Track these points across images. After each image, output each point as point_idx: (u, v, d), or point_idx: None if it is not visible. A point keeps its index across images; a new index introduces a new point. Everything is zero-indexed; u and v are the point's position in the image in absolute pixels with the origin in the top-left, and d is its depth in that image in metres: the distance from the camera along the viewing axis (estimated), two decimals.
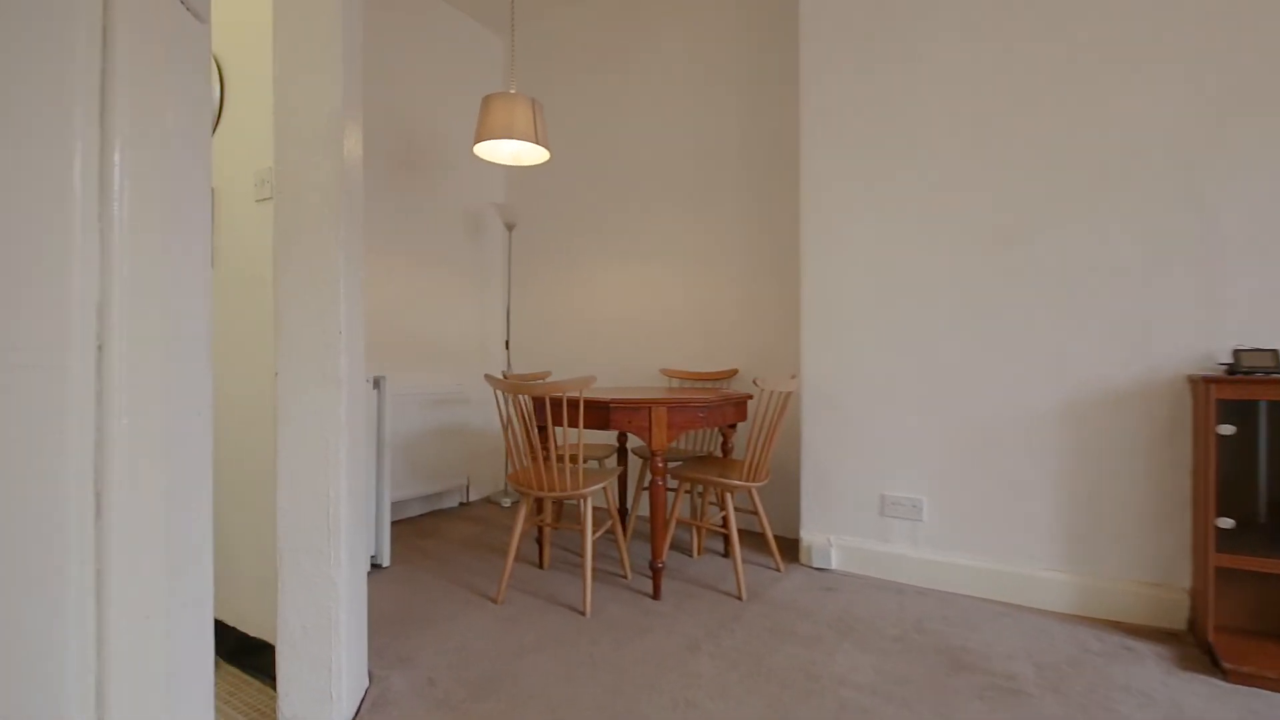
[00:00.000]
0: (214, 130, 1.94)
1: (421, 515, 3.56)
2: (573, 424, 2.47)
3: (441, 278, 3.75)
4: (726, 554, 2.87)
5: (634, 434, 2.36)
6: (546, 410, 2.27)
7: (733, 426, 2.86)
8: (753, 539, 3.14)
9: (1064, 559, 2.25)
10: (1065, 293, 2.24)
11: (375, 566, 2.67)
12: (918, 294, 2.50)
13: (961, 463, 2.42)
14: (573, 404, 2.46)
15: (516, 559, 2.78)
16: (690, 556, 2.84)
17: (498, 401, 2.28)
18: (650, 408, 2.32)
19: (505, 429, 2.32)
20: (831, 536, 2.68)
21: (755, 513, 2.65)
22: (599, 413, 2.37)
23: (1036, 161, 2.29)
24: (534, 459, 2.35)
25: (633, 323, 3.67)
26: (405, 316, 3.54)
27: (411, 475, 3.40)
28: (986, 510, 2.37)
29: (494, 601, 2.31)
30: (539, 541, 2.71)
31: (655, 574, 2.37)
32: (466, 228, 3.92)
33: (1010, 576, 2.31)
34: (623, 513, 3.24)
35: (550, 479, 2.29)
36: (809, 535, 2.73)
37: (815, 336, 2.73)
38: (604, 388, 3.20)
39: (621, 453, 3.11)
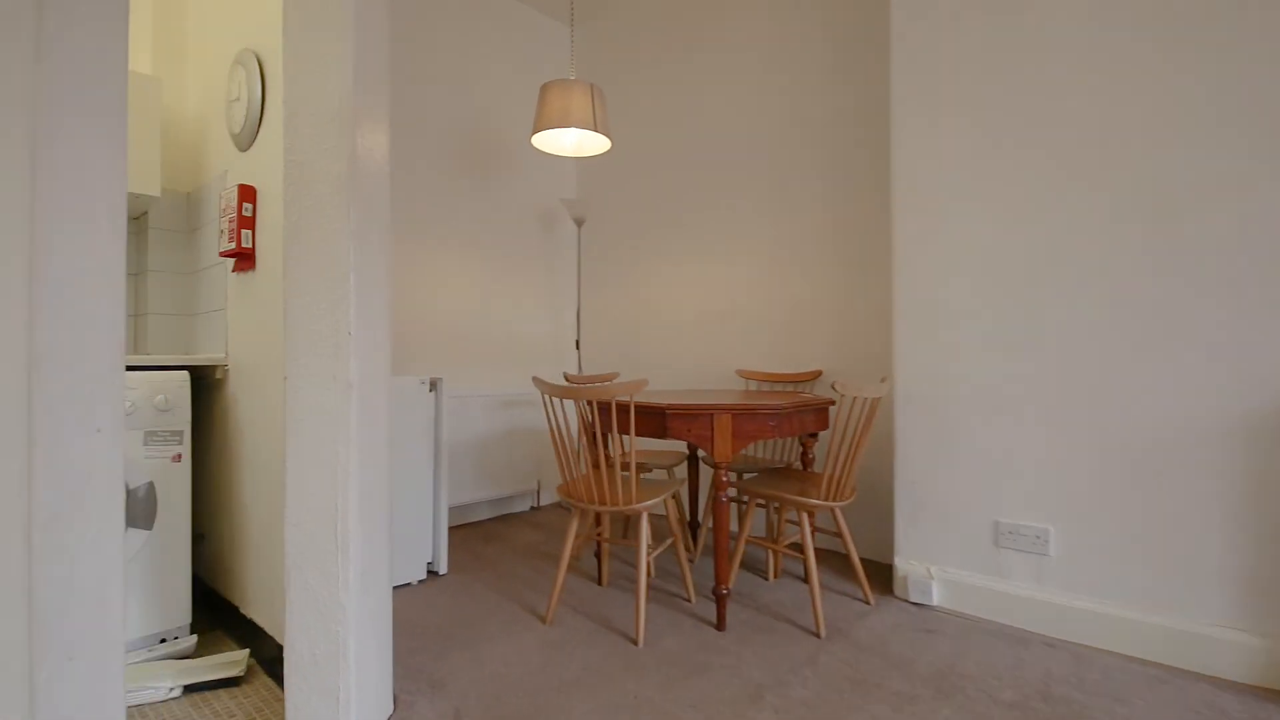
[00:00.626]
0: (257, 129, 1.91)
1: (490, 519, 3.49)
2: (623, 431, 2.26)
3: (513, 276, 3.68)
4: (806, 577, 2.54)
5: (694, 443, 2.10)
6: (595, 415, 2.07)
7: (814, 436, 2.53)
8: (837, 561, 2.78)
9: (1245, 614, 1.74)
10: (1252, 278, 1.73)
11: (432, 574, 2.59)
12: (1042, 284, 2.06)
13: (1101, 487, 1.96)
14: (624, 409, 2.25)
15: (576, 573, 2.61)
16: (765, 579, 2.54)
17: (545, 406, 2.11)
18: (712, 414, 2.06)
19: (553, 436, 2.15)
20: (933, 567, 2.28)
21: (840, 535, 2.31)
22: (654, 419, 2.14)
23: (1218, 108, 1.80)
24: (593, 467, 2.15)
25: (708, 321, 3.40)
26: (476, 317, 3.49)
27: (480, 478, 3.33)
28: (1136, 546, 1.90)
29: (543, 621, 2.15)
30: (598, 556, 2.52)
31: (718, 602, 2.10)
32: (538, 225, 3.82)
33: (1169, 632, 1.83)
34: (693, 527, 2.99)
35: (600, 491, 2.08)
36: (905, 564, 2.35)
37: (911, 334, 2.34)
38: (674, 390, 2.97)
39: (692, 461, 2.86)
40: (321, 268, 1.36)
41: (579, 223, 3.60)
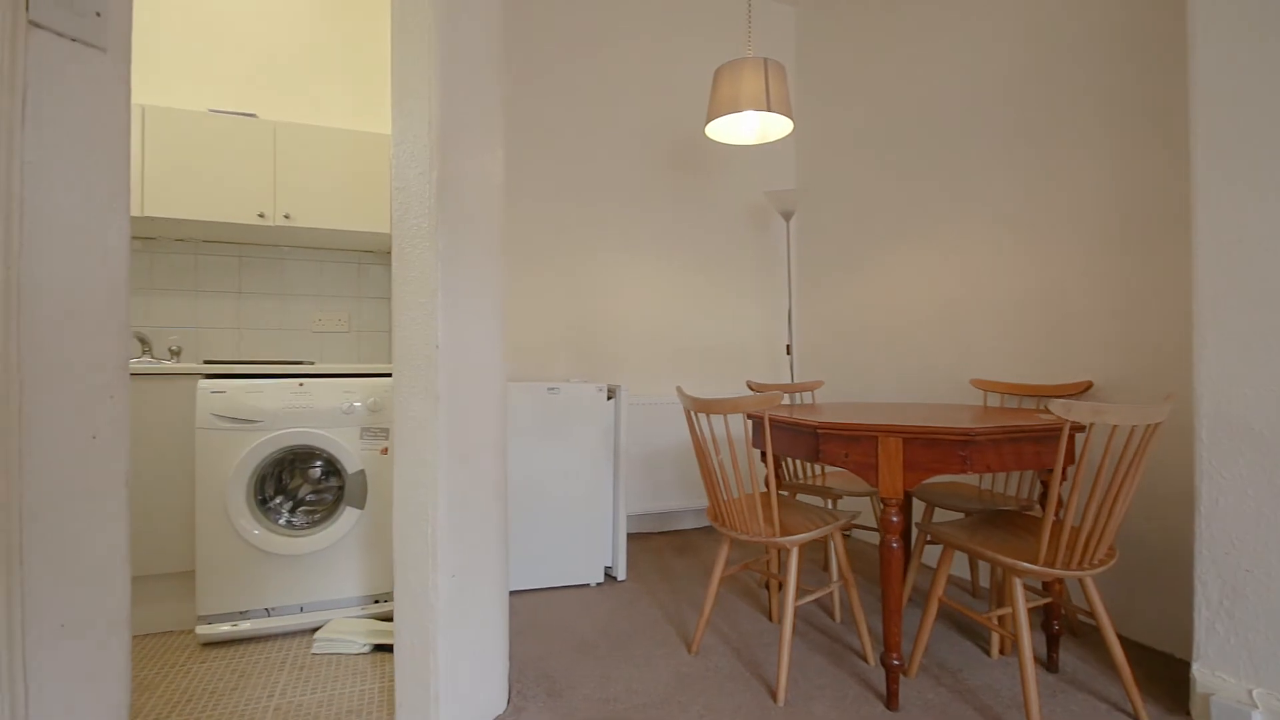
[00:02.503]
0: None
1: (694, 529, 3.43)
2: (759, 448, 1.96)
3: (718, 278, 3.56)
4: (1050, 665, 1.87)
5: (853, 472, 1.72)
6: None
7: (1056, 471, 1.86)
8: (1095, 642, 1.99)
9: None
10: None
11: (610, 578, 2.63)
12: None
13: None
14: (778, 425, 1.95)
15: (751, 602, 2.37)
16: (986, 654, 1.96)
17: (689, 420, 1.95)
18: (877, 437, 1.66)
19: (698, 453, 1.98)
20: (1257, 690, 1.46)
21: (1090, 613, 1.64)
22: (805, 440, 1.81)
23: None
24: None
25: (941, 321, 2.79)
26: (678, 323, 3.46)
27: (685, 487, 3.29)
28: None
29: (689, 650, 1.99)
30: (768, 588, 2.25)
31: (888, 674, 1.68)
32: (746, 222, 3.63)
33: None
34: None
35: (743, 518, 1.85)
36: (1209, 675, 1.56)
37: (1222, 335, 1.55)
38: (882, 403, 2.50)
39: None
40: (416, 286, 1.46)
41: (787, 216, 3.31)
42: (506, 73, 3.14)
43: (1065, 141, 2.29)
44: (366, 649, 1.97)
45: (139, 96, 2.52)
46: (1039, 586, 1.97)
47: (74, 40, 0.85)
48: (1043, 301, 2.37)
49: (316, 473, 2.37)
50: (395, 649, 1.49)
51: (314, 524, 2.20)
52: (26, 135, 0.80)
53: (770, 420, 1.97)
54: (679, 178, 3.49)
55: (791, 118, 2.42)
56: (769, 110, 2.32)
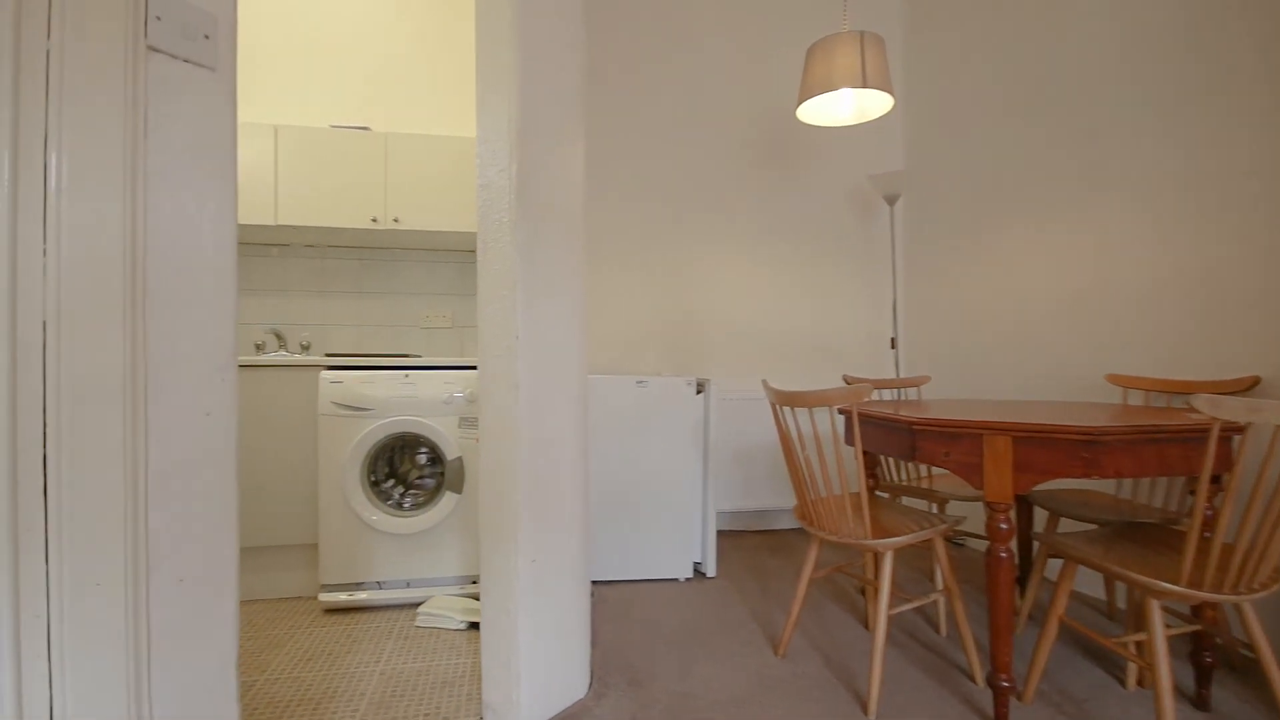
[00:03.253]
0: None
1: (789, 530, 3.31)
2: (851, 444, 1.83)
3: (817, 269, 3.40)
4: (1200, 702, 1.62)
5: (955, 473, 1.58)
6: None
7: (1213, 480, 1.61)
8: (1257, 678, 1.68)
9: None
10: None
11: (699, 574, 2.60)
12: None
13: None
14: (869, 420, 1.83)
15: (848, 607, 2.26)
16: (1121, 685, 1.73)
17: (775, 414, 1.88)
18: (982, 435, 1.51)
19: (785, 448, 1.90)
20: None
21: (1252, 645, 1.40)
22: (899, 436, 1.69)
23: None
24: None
25: (1071, 310, 2.50)
26: (774, 315, 3.36)
27: (777, 486, 3.19)
28: None
29: (775, 651, 1.93)
30: (863, 593, 2.13)
31: (996, 695, 1.52)
32: (847, 209, 3.45)
33: None
34: (1021, 582, 2.25)
35: (832, 518, 1.75)
36: None
37: None
38: (995, 400, 2.28)
39: (1022, 502, 2.15)
40: (497, 280, 1.52)
41: (891, 201, 3.10)
42: (588, 68, 3.19)
43: (1225, 105, 1.96)
44: (463, 625, 2.08)
45: (273, 117, 2.82)
46: (1186, 611, 1.70)
47: (186, 61, 0.95)
48: (1196, 286, 2.05)
49: (423, 458, 2.53)
50: (481, 628, 1.55)
51: (419, 506, 2.35)
52: (149, 146, 0.91)
53: (860, 414, 1.85)
54: (772, 166, 3.38)
55: (892, 93, 2.26)
56: (865, 86, 2.18)
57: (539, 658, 1.54)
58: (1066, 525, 2.48)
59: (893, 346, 3.26)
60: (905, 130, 3.49)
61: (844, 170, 3.45)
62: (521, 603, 1.50)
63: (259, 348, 2.82)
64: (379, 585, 2.26)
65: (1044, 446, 1.45)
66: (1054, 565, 2.53)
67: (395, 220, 2.64)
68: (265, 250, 2.88)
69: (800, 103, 2.37)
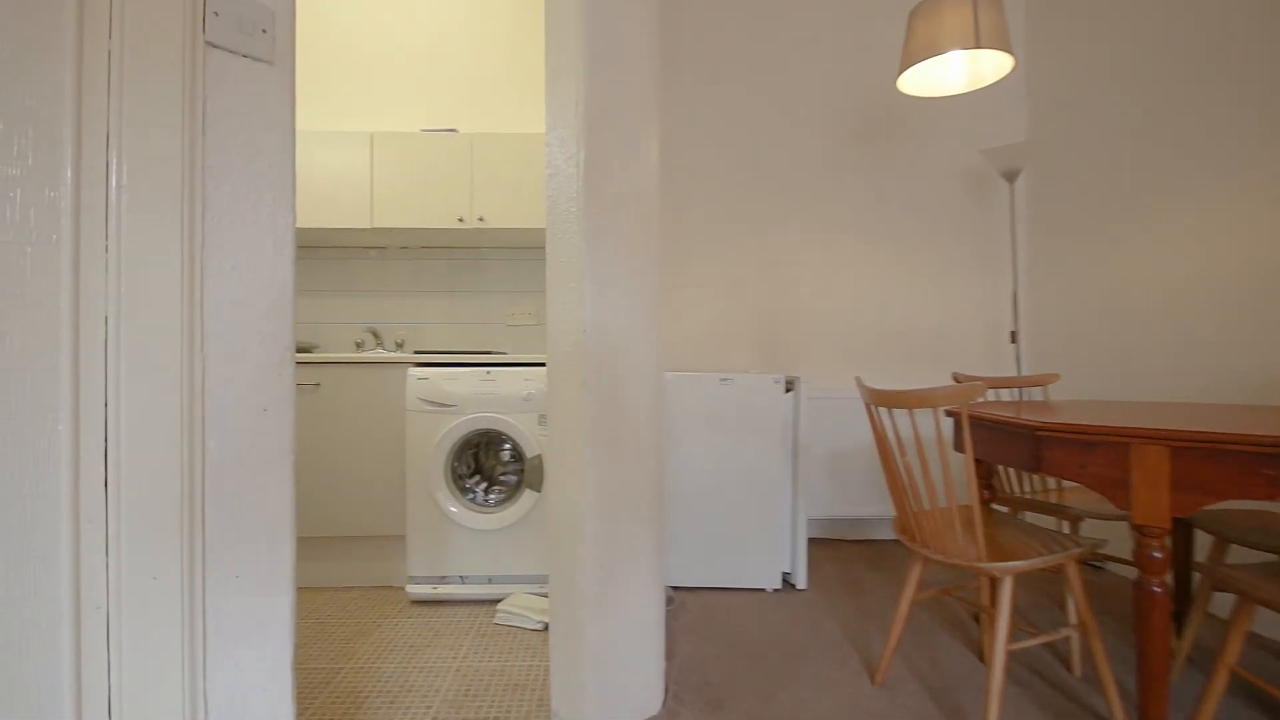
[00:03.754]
0: None
1: (888, 541, 3.04)
2: (959, 451, 1.60)
3: (922, 256, 3.11)
4: None
5: (1093, 489, 1.33)
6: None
7: None
8: None
9: None
10: None
11: (788, 585, 2.43)
12: None
13: None
14: (982, 423, 1.60)
15: (957, 634, 2.02)
16: None
17: (870, 415, 1.69)
18: (1128, 444, 1.27)
19: (882, 455, 1.70)
20: None
21: None
22: (1020, 443, 1.45)
23: None
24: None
25: (1243, 297, 2.10)
26: (872, 308, 3.10)
27: (876, 493, 2.94)
28: None
29: (872, 680, 1.74)
30: (978, 620, 1.88)
31: None
32: (958, 188, 3.12)
33: None
34: (1178, 617, 1.91)
35: (937, 535, 1.55)
36: None
37: None
38: (1143, 402, 1.95)
39: (1179, 524, 1.82)
40: (565, 271, 1.45)
41: (1010, 177, 2.76)
42: (662, 44, 3.08)
43: None
44: (539, 626, 2.06)
45: (369, 126, 2.94)
46: None
47: (245, 56, 0.95)
48: None
49: (506, 454, 2.55)
50: (550, 633, 1.50)
51: (501, 503, 2.36)
52: (207, 142, 0.91)
53: (972, 417, 1.62)
54: (870, 143, 3.12)
55: (1012, 53, 1.98)
56: (979, 47, 1.92)
57: (608, 668, 1.46)
58: (1238, 553, 2.09)
59: (1013, 341, 2.90)
60: (1028, 97, 3.11)
61: (954, 145, 3.13)
62: (589, 609, 1.43)
63: (358, 345, 2.96)
64: (462, 579, 2.28)
65: (1212, 460, 1.19)
66: (1220, 600, 2.14)
67: (480, 219, 2.68)
68: (365, 253, 3.02)
69: (901, 71, 2.14)
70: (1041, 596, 2.32)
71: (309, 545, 2.41)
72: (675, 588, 2.40)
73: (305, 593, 2.36)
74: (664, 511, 2.36)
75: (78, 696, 0.79)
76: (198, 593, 0.88)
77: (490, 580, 2.29)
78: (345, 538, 2.40)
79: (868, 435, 2.94)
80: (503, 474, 2.54)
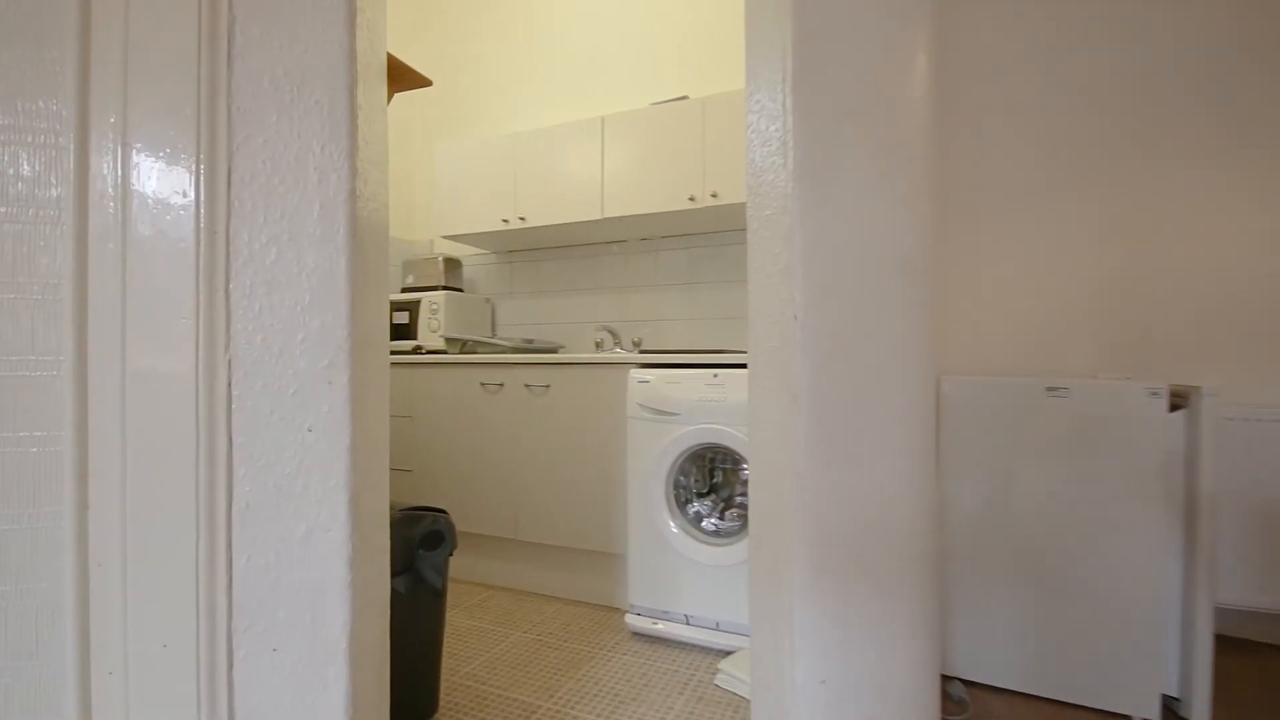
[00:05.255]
0: None
1: None
2: None
3: None
4: None
5: None
6: None
7: None
8: None
9: None
10: None
11: (1170, 712, 1.51)
12: None
13: None
14: None
15: None
16: None
17: None
18: None
19: None
20: None
21: None
22: None
23: None
24: None
25: None
26: None
27: None
28: None
29: None
30: None
31: None
32: None
33: None
34: None
35: None
36: None
37: None
38: None
39: None
40: (767, 247, 0.99)
41: None
42: None
43: None
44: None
45: (599, 110, 2.80)
46: None
47: None
48: None
49: (746, 474, 2.13)
50: (753, 659, 1.05)
51: (738, 532, 1.96)
52: (234, 76, 0.70)
53: None
54: None
55: None
56: None
57: None
58: None
59: None
60: None
61: None
62: (799, 697, 0.93)
63: (598, 345, 2.86)
64: (686, 619, 1.94)
65: None
66: None
67: (713, 195, 2.30)
68: (608, 248, 2.91)
69: None
70: None
71: (533, 550, 2.34)
72: (969, 683, 1.68)
73: (533, 599, 2.29)
74: (939, 574, 1.68)
75: None
76: (219, 666, 0.68)
77: (718, 626, 1.90)
78: (570, 549, 2.27)
79: None
80: (742, 495, 2.13)
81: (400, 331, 2.92)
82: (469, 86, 3.25)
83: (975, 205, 2.26)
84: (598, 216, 2.51)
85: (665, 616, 1.98)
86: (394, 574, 1.46)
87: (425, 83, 1.56)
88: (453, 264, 3.06)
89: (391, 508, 1.58)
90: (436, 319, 2.82)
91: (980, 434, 1.66)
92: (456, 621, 2.10)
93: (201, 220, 0.71)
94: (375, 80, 0.79)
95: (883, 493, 0.97)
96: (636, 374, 2.05)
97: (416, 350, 2.82)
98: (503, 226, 2.70)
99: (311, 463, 0.74)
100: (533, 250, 3.08)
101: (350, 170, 0.76)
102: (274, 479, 0.73)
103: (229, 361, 0.73)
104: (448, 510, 1.58)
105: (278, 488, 0.73)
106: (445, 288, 2.97)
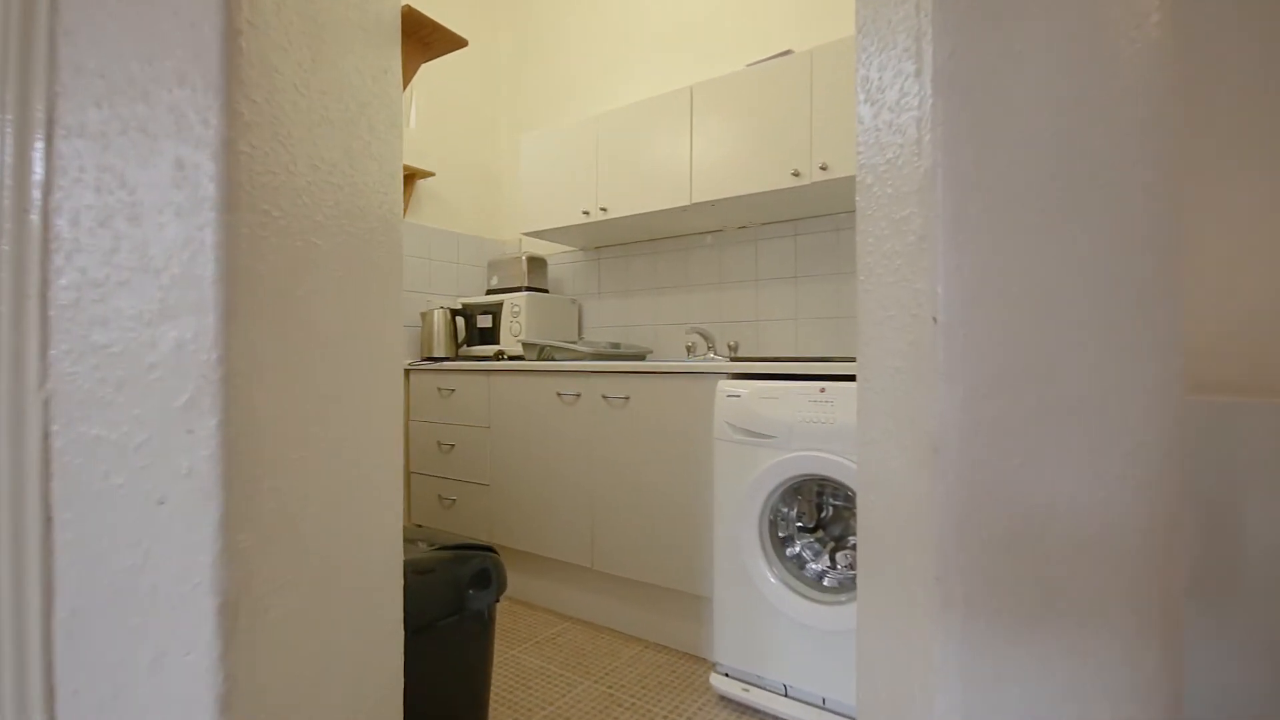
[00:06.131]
0: None
1: None
2: None
3: None
4: None
5: None
6: None
7: None
8: None
9: None
10: None
11: None
12: None
13: None
14: None
15: None
16: None
17: None
18: None
19: None
20: None
21: None
22: None
23: None
24: None
25: None
26: None
27: None
28: None
29: None
30: None
31: None
32: None
33: None
34: None
35: None
36: None
37: None
38: None
39: None
40: (886, 198, 0.63)
41: None
42: None
43: None
44: None
45: (687, 80, 2.46)
46: None
47: None
48: None
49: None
50: (859, 687, 0.70)
51: (850, 587, 1.58)
52: None
53: None
54: None
55: None
56: None
57: None
58: None
59: None
60: None
61: None
62: (938, 660, 0.57)
63: (689, 350, 2.54)
64: (784, 690, 1.58)
65: None
66: None
67: (822, 168, 1.91)
68: (700, 240, 2.58)
69: None
70: None
71: (610, 582, 2.06)
72: None
73: (609, 637, 2.02)
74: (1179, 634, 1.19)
75: None
76: None
77: (824, 704, 1.52)
78: (650, 586, 1.98)
79: None
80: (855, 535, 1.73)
81: (484, 336, 2.78)
82: (555, 73, 3.05)
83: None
84: (685, 203, 2.19)
85: (758, 683, 1.63)
86: (440, 618, 1.25)
87: (460, 43, 1.34)
88: (537, 263, 2.88)
89: (435, 540, 1.37)
90: (518, 322, 2.65)
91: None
92: (524, 660, 1.88)
93: (5, 195, 0.49)
94: None
95: (1080, 578, 0.58)
96: (725, 386, 1.71)
97: (498, 356, 2.66)
98: (583, 220, 2.46)
99: (163, 551, 0.50)
100: (621, 245, 2.82)
101: (224, 108, 0.51)
102: (109, 575, 0.50)
103: (44, 401, 0.51)
104: (510, 540, 1.35)
105: (115, 588, 0.50)
106: (529, 288, 2.79)
